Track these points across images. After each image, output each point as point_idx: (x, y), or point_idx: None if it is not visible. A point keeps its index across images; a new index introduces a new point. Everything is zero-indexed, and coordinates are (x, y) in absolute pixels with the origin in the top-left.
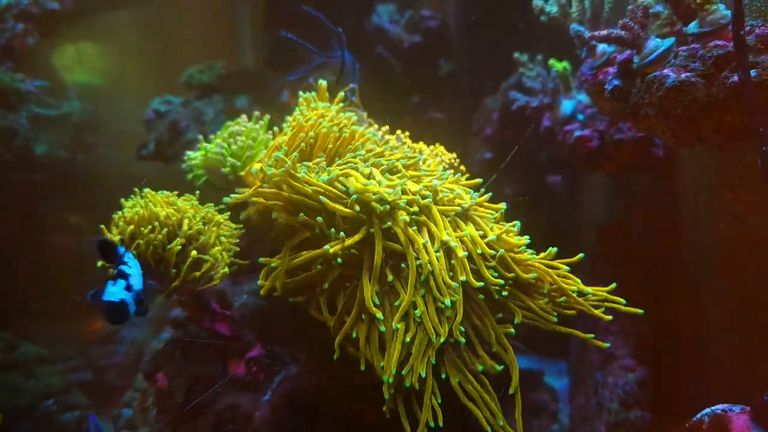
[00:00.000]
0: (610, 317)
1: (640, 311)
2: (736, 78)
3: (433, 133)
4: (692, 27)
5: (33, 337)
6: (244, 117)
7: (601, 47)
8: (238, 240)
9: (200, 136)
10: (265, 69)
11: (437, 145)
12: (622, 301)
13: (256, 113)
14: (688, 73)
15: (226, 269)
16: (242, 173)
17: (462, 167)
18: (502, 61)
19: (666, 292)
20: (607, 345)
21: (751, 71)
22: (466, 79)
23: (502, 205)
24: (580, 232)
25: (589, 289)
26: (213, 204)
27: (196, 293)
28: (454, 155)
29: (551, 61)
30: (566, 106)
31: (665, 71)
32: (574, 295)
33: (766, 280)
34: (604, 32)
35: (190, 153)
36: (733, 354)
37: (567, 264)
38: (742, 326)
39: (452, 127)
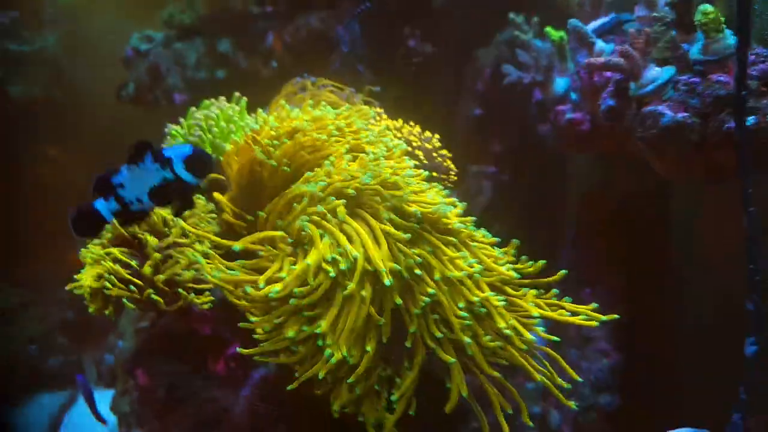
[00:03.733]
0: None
1: (615, 316)
2: (732, 124)
3: (424, 68)
4: (695, 51)
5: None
6: (222, 99)
7: (600, 45)
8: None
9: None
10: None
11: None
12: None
13: (237, 93)
14: (684, 114)
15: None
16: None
17: (444, 151)
18: None
19: (648, 272)
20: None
21: (750, 117)
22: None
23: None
24: (568, 198)
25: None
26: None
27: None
28: (437, 136)
29: (547, 29)
30: (559, 84)
31: (661, 108)
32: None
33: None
34: (602, 60)
35: (171, 128)
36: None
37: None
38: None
39: (446, 63)
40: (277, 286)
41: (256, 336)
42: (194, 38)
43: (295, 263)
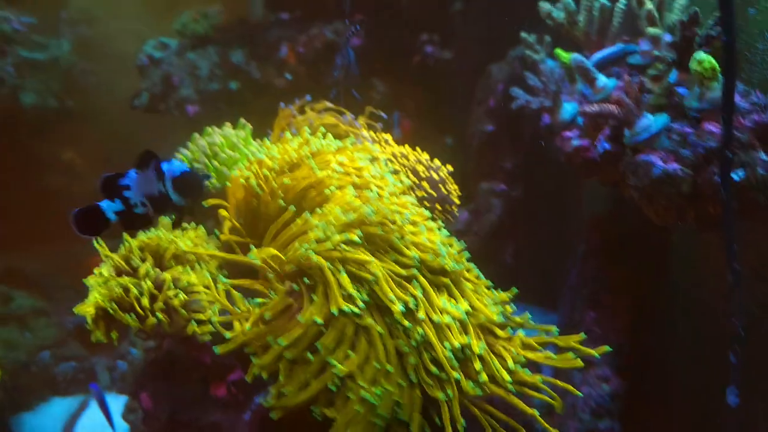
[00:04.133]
0: (581, 364)
1: (607, 349)
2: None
3: (440, 73)
4: (691, 99)
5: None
6: (227, 126)
7: (602, 82)
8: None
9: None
10: (265, 14)
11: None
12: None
13: (242, 120)
14: (675, 165)
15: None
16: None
17: (454, 187)
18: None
19: (653, 300)
20: (580, 394)
21: (739, 171)
22: (479, 18)
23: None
24: (577, 217)
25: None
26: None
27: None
28: (448, 168)
29: (557, 51)
30: (566, 110)
31: (652, 158)
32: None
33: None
34: (596, 108)
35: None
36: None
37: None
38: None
39: (460, 70)
40: (296, 332)
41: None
42: (207, 48)
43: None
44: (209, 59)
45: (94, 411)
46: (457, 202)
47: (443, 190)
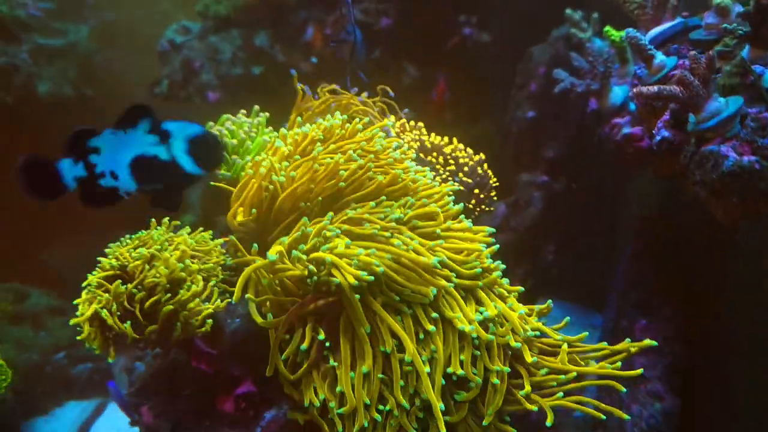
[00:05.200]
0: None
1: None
2: None
3: (478, 56)
4: None
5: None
6: (242, 114)
7: (660, 59)
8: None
9: None
10: None
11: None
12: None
13: (256, 107)
14: (752, 157)
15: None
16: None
17: (494, 183)
18: None
19: (710, 308)
20: (627, 417)
21: None
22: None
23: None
24: (626, 213)
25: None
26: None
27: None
28: (491, 176)
29: (607, 28)
30: (617, 93)
31: (724, 149)
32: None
33: None
34: (654, 89)
35: None
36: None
37: None
38: None
39: (499, 53)
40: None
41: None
42: (230, 30)
43: None
44: (232, 43)
45: (110, 414)
46: (493, 193)
47: (480, 175)
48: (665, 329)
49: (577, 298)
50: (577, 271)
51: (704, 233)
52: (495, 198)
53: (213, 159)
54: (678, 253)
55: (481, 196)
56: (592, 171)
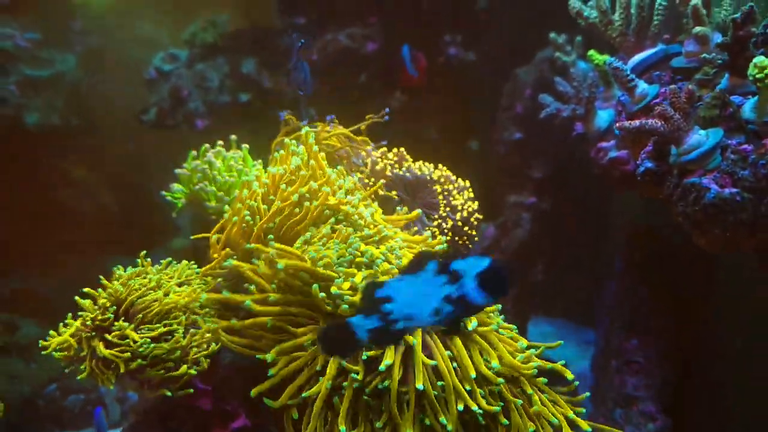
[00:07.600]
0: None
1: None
2: None
3: (463, 75)
4: (748, 109)
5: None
6: (220, 146)
7: (641, 88)
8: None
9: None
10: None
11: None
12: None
13: (232, 137)
14: (733, 189)
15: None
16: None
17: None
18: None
19: (702, 327)
20: None
21: None
22: (505, 17)
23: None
24: (613, 232)
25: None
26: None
27: None
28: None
29: (591, 53)
30: (602, 117)
31: (705, 181)
32: None
33: None
34: (636, 123)
35: (174, 186)
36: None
37: None
38: None
39: (486, 72)
40: None
41: None
42: (217, 58)
43: None
44: (219, 70)
45: None
46: (476, 224)
47: (461, 209)
48: (656, 347)
49: (566, 314)
50: (566, 287)
51: (689, 245)
52: (481, 221)
53: (503, 290)
54: (664, 266)
55: (465, 234)
56: (577, 188)
